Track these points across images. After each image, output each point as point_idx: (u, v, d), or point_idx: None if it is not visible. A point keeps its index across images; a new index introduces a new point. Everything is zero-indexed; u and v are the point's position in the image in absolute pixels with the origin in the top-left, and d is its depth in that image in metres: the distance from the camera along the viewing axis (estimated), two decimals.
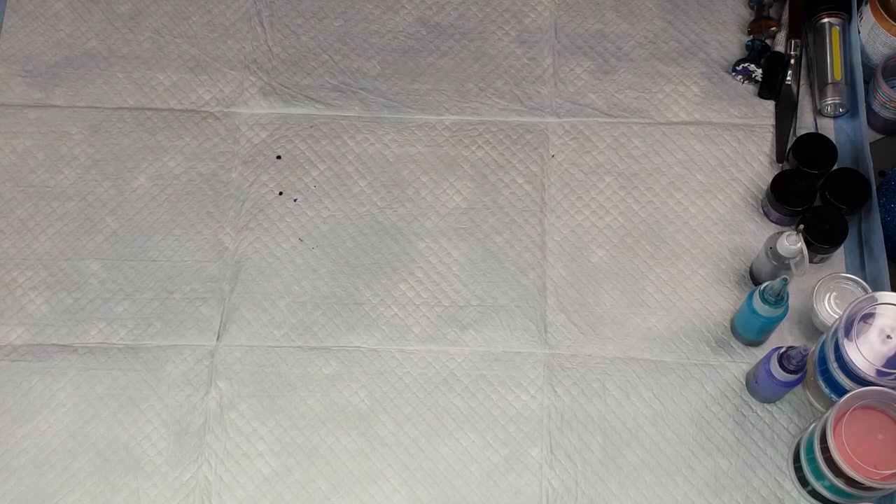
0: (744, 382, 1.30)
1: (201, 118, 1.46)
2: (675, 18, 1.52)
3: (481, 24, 1.52)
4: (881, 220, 1.33)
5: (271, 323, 1.34)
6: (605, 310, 1.35)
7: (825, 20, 1.46)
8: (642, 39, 1.51)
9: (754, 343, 1.32)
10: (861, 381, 1.14)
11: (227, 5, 1.54)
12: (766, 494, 1.25)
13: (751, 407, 1.29)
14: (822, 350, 1.20)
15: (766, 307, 1.21)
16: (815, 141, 1.37)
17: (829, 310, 1.29)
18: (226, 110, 1.47)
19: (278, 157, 1.44)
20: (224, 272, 1.37)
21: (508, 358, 1.32)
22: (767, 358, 1.21)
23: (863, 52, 1.43)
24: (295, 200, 1.41)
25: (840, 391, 1.18)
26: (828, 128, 1.44)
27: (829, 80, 1.43)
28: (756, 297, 1.21)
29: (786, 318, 1.27)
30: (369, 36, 1.52)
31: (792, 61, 1.46)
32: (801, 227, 1.31)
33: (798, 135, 1.41)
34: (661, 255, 1.38)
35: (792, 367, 1.17)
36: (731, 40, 1.51)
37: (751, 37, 1.49)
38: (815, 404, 1.28)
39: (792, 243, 1.22)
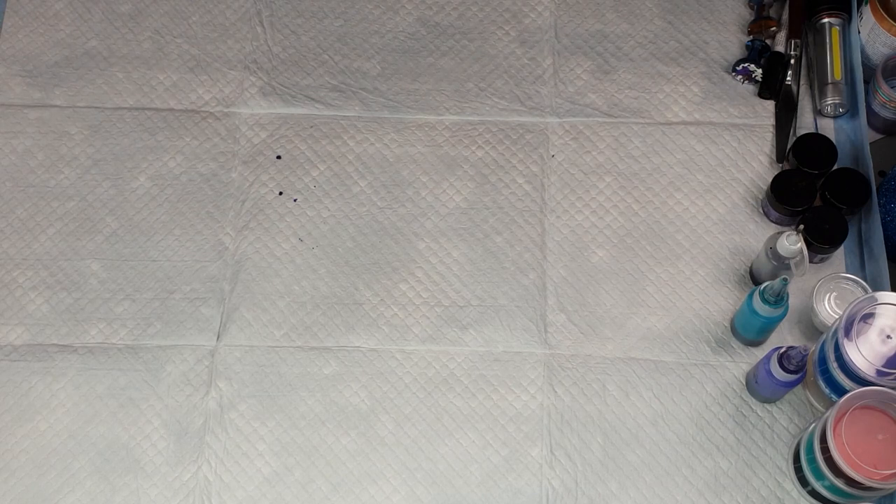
0: (744, 382, 1.30)
1: (201, 118, 1.46)
2: (675, 18, 1.52)
3: (481, 24, 1.52)
4: (881, 220, 1.33)
5: (271, 323, 1.34)
6: (605, 310, 1.35)
7: (825, 20, 1.46)
8: (642, 39, 1.51)
9: (754, 343, 1.32)
10: (861, 381, 1.14)
11: (227, 5, 1.54)
12: (766, 494, 1.25)
13: (751, 407, 1.29)
14: (822, 350, 1.20)
15: (766, 307, 1.21)
16: (815, 141, 1.37)
17: (829, 310, 1.29)
18: (226, 110, 1.47)
19: (278, 157, 1.44)
20: (224, 272, 1.37)
21: (508, 358, 1.32)
22: (767, 358, 1.21)
23: (863, 52, 1.43)
24: (295, 200, 1.41)
25: (840, 391, 1.18)
26: (828, 128, 1.44)
27: (829, 80, 1.43)
28: (756, 297, 1.21)
29: (786, 318, 1.27)
30: (369, 36, 1.52)
31: (792, 61, 1.46)
32: (801, 227, 1.31)
33: (798, 135, 1.41)
34: (661, 255, 1.38)
35: (792, 367, 1.17)
36: (731, 40, 1.51)
37: (751, 37, 1.49)
38: (815, 404, 1.28)
39: (792, 243, 1.22)
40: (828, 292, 1.30)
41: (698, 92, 1.47)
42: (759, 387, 1.25)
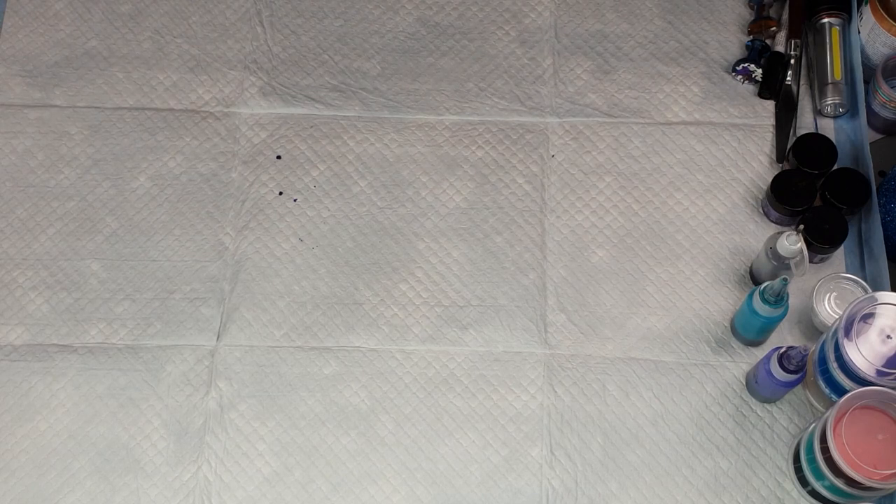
0: (744, 382, 1.30)
1: (201, 118, 1.46)
2: (675, 18, 1.52)
3: (481, 24, 1.52)
4: (881, 220, 1.33)
5: (271, 323, 1.34)
6: (605, 310, 1.35)
7: (825, 20, 1.46)
8: (642, 39, 1.51)
9: (754, 343, 1.32)
10: (861, 381, 1.14)
11: (227, 5, 1.54)
12: (766, 494, 1.25)
13: (751, 407, 1.29)
14: (822, 350, 1.20)
15: (766, 307, 1.21)
16: (815, 141, 1.37)
17: (829, 310, 1.29)
18: (226, 110, 1.47)
19: (278, 157, 1.44)
20: (224, 272, 1.37)
21: (508, 358, 1.32)
22: (767, 358, 1.21)
23: (863, 52, 1.43)
24: (295, 200, 1.41)
25: (840, 391, 1.18)
26: (828, 128, 1.44)
27: (829, 80, 1.43)
28: (756, 297, 1.21)
29: (786, 318, 1.27)
30: (369, 36, 1.52)
31: (792, 61, 1.46)
32: (801, 227, 1.31)
33: (798, 135, 1.41)
34: (661, 255, 1.38)
35: (792, 367, 1.17)
36: (731, 40, 1.51)
37: (751, 37, 1.49)
38: (815, 404, 1.28)
39: (792, 243, 1.22)
40: (828, 292, 1.30)
41: (698, 92, 1.47)
42: (759, 387, 1.25)
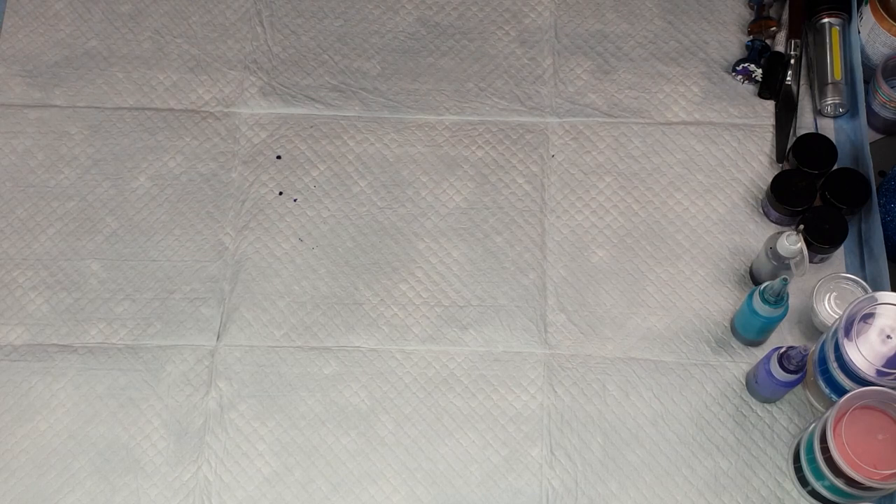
0: (744, 382, 1.30)
1: (201, 118, 1.46)
2: (675, 18, 1.52)
3: (481, 24, 1.52)
4: (881, 220, 1.33)
5: (271, 323, 1.34)
6: (605, 310, 1.35)
7: (825, 20, 1.46)
8: (642, 39, 1.51)
9: (754, 343, 1.32)
10: (861, 381, 1.14)
11: (227, 5, 1.54)
12: (766, 494, 1.25)
13: (751, 407, 1.29)
14: (822, 350, 1.20)
15: (766, 307, 1.21)
16: (815, 141, 1.37)
17: (829, 310, 1.29)
18: (226, 110, 1.47)
19: (278, 157, 1.44)
20: (224, 272, 1.37)
21: (508, 358, 1.32)
22: (767, 358, 1.21)
23: (863, 52, 1.43)
24: (295, 200, 1.41)
25: (840, 391, 1.18)
26: (828, 128, 1.44)
27: (829, 80, 1.43)
28: (756, 297, 1.21)
29: (786, 318, 1.27)
30: (369, 36, 1.52)
31: (792, 61, 1.46)
32: (801, 227, 1.31)
33: (798, 135, 1.41)
34: (661, 255, 1.38)
35: (792, 367, 1.17)
36: (731, 40, 1.51)
37: (751, 37, 1.49)
38: (815, 404, 1.28)
39: (792, 243, 1.22)
40: (828, 292, 1.30)
41: (698, 92, 1.47)
42: (759, 387, 1.25)
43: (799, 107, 1.45)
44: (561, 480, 1.26)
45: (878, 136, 1.44)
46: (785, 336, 1.32)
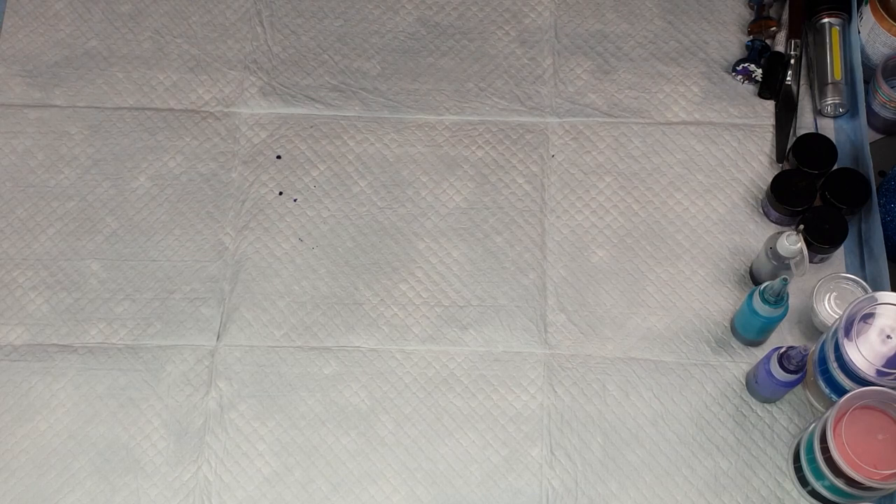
0: (744, 382, 1.30)
1: (201, 118, 1.46)
2: (675, 18, 1.52)
3: (481, 24, 1.52)
4: (881, 220, 1.33)
5: (271, 323, 1.34)
6: (605, 310, 1.35)
7: (825, 20, 1.46)
8: (642, 39, 1.51)
9: (754, 343, 1.32)
10: (861, 381, 1.14)
11: (227, 5, 1.54)
12: (766, 494, 1.25)
13: (751, 407, 1.29)
14: (822, 350, 1.20)
15: (766, 307, 1.21)
16: (815, 141, 1.37)
17: (829, 310, 1.29)
18: (226, 110, 1.47)
19: (278, 157, 1.44)
20: (224, 272, 1.37)
21: (508, 358, 1.32)
22: (767, 358, 1.21)
23: (863, 52, 1.43)
24: (295, 200, 1.41)
25: (840, 391, 1.18)
26: (828, 128, 1.44)
27: (829, 80, 1.43)
28: (756, 297, 1.21)
29: (786, 318, 1.27)
30: (369, 36, 1.52)
31: (792, 61, 1.46)
32: (801, 227, 1.31)
33: (798, 135, 1.41)
34: (661, 255, 1.38)
35: (792, 367, 1.17)
36: (731, 40, 1.51)
37: (751, 37, 1.49)
38: (815, 404, 1.28)
39: (792, 243, 1.22)
40: (828, 292, 1.30)
41: (698, 92, 1.47)
42: (759, 387, 1.25)
43: (799, 107, 1.45)
44: (561, 480, 1.26)
45: (878, 136, 1.44)
46: (785, 336, 1.32)
